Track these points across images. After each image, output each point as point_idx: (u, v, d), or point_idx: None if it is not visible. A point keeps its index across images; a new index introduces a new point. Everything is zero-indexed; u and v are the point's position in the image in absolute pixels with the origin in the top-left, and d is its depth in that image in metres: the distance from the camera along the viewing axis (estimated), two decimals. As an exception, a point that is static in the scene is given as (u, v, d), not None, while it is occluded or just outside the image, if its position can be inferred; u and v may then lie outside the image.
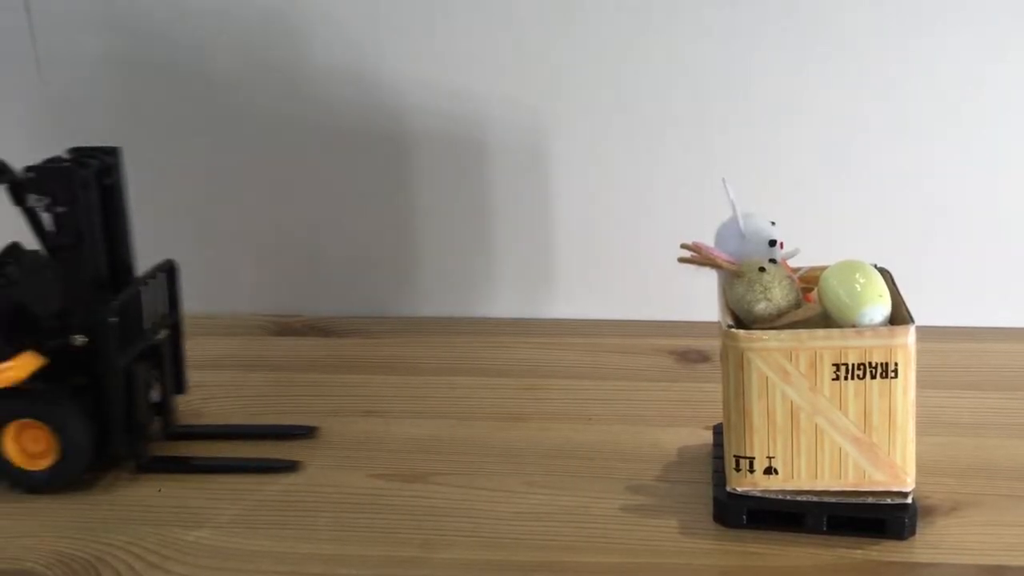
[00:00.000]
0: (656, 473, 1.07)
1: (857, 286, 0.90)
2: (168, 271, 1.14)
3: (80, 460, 1.04)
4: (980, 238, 1.37)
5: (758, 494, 0.94)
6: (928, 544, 0.93)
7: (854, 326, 0.90)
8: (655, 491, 1.03)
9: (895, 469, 0.92)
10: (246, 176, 1.48)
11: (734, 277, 0.95)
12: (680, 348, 1.36)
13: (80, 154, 1.06)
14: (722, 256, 0.96)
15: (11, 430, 1.04)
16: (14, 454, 1.04)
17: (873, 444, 0.91)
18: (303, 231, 1.50)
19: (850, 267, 0.92)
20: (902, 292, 0.95)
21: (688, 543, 0.95)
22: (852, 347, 0.89)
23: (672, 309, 1.41)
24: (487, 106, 1.40)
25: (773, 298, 0.93)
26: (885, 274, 0.96)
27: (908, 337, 0.89)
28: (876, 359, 0.89)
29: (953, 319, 1.36)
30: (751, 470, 0.93)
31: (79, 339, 1.03)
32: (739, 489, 0.95)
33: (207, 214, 1.51)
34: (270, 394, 1.27)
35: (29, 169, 1.00)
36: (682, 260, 0.97)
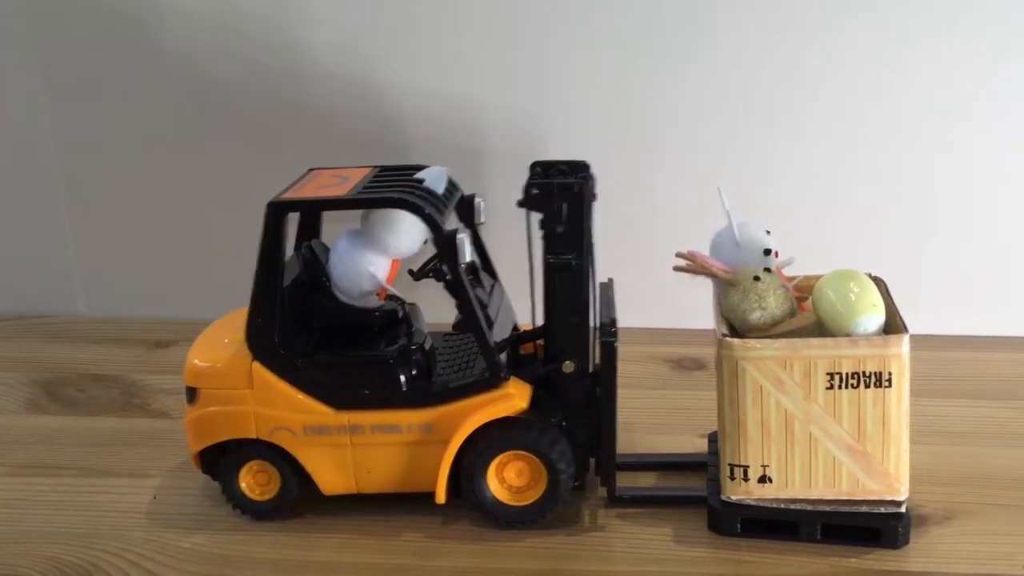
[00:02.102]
0: (651, 481, 1.07)
1: (851, 295, 0.90)
2: (610, 287, 1.05)
3: (565, 493, 0.97)
4: (973, 247, 1.38)
5: (752, 503, 0.94)
6: (922, 553, 0.94)
7: (848, 335, 0.90)
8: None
9: (889, 478, 0.92)
10: (244, 182, 1.48)
11: (729, 286, 0.95)
12: (676, 356, 1.36)
13: (548, 168, 1.00)
14: (717, 265, 0.96)
15: (496, 463, 0.97)
16: (496, 488, 0.98)
17: (867, 453, 0.91)
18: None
19: (844, 276, 0.92)
20: (895, 301, 0.95)
21: (683, 551, 0.95)
22: (846, 356, 0.90)
23: (667, 317, 1.41)
24: (486, 113, 1.40)
25: (768, 307, 0.93)
26: (879, 283, 0.96)
27: (902, 347, 0.89)
28: (870, 368, 0.90)
29: (946, 328, 1.37)
30: (745, 479, 0.94)
31: (570, 365, 0.96)
32: (733, 497, 0.95)
33: (203, 218, 1.51)
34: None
35: (532, 186, 0.94)
36: (677, 269, 0.97)
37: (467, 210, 1.04)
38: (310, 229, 1.07)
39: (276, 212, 0.95)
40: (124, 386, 1.33)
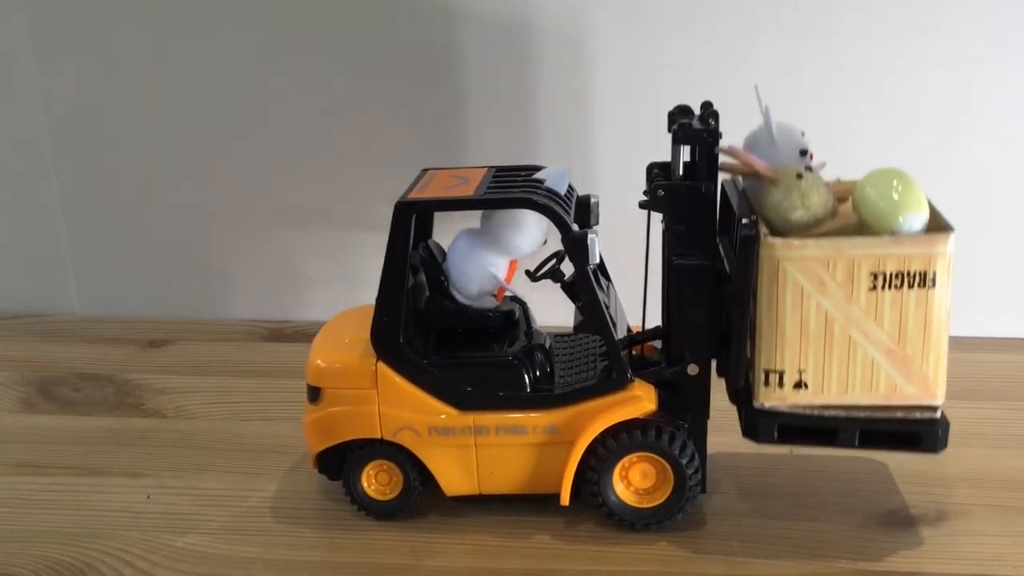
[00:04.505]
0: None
1: (895, 193, 0.87)
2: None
3: (692, 494, 0.97)
4: (967, 249, 1.37)
5: (786, 409, 0.92)
6: (914, 553, 0.94)
7: (892, 235, 0.87)
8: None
9: (927, 382, 0.89)
10: (241, 181, 1.49)
11: (770, 184, 0.91)
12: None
13: (665, 169, 0.98)
14: (759, 162, 0.92)
15: (622, 465, 0.97)
16: (622, 491, 0.98)
17: (906, 356, 0.89)
18: (300, 237, 1.51)
19: (887, 174, 0.89)
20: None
21: (674, 553, 0.96)
22: (891, 255, 0.87)
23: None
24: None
25: (811, 206, 0.90)
26: None
27: (948, 245, 0.87)
28: (915, 268, 0.87)
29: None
30: (780, 384, 0.90)
31: (694, 368, 0.96)
32: (767, 404, 0.92)
33: (199, 217, 1.51)
34: (257, 399, 1.28)
35: (659, 188, 0.93)
36: (723, 168, 0.93)
37: (582, 211, 1.02)
38: (422, 230, 1.05)
39: (404, 212, 0.95)
40: (118, 385, 1.32)
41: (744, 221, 0.89)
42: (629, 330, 1.05)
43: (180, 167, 1.49)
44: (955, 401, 1.19)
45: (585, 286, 0.95)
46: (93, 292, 1.57)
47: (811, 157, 0.94)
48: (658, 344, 1.03)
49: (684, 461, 0.96)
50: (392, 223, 0.95)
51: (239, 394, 1.29)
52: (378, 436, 0.98)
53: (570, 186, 1.01)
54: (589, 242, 0.93)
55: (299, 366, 1.03)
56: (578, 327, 0.99)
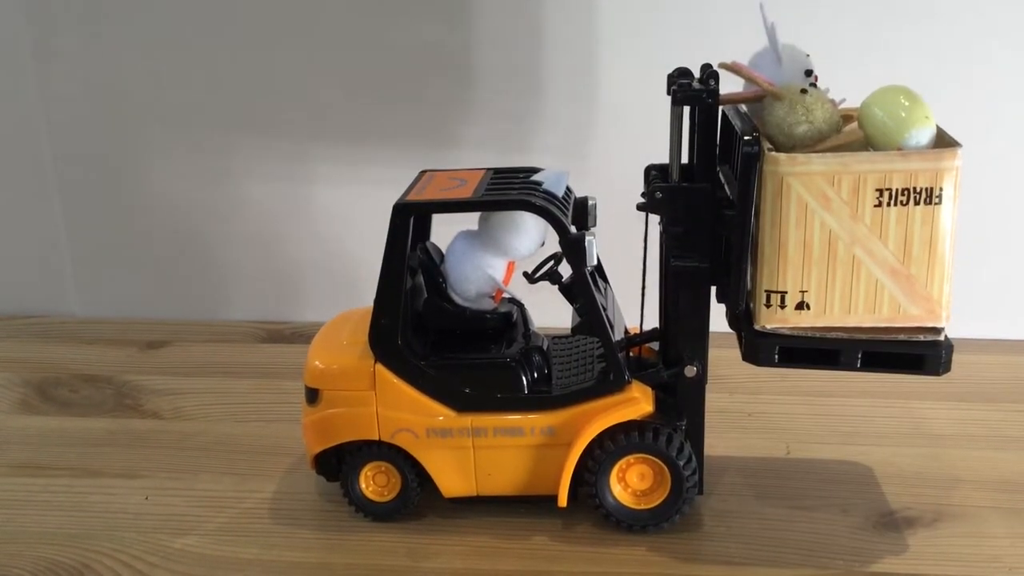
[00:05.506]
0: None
1: (901, 110, 0.86)
2: None
3: (689, 496, 0.97)
4: (961, 251, 1.38)
5: (787, 331, 0.90)
6: (910, 555, 0.94)
7: (899, 150, 0.86)
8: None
9: (931, 303, 0.88)
10: (239, 182, 1.49)
11: (774, 99, 0.90)
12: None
13: (663, 171, 0.98)
14: (762, 77, 0.91)
15: (619, 467, 0.97)
16: (619, 492, 0.98)
17: (911, 276, 0.87)
18: (300, 239, 1.51)
19: (893, 90, 0.88)
20: None
21: (671, 557, 0.96)
22: (898, 171, 0.85)
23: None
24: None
25: (815, 121, 0.88)
26: None
27: (956, 160, 0.85)
28: (922, 183, 0.85)
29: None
30: (782, 305, 0.89)
31: (692, 369, 0.96)
32: (768, 327, 0.90)
33: (197, 219, 1.51)
34: (256, 400, 1.28)
35: (656, 190, 0.93)
36: (723, 66, 0.92)
37: (580, 213, 1.02)
38: (420, 231, 1.06)
39: (402, 214, 0.95)
40: (117, 387, 1.33)
41: (746, 138, 0.87)
42: (627, 332, 1.05)
43: (179, 168, 1.49)
44: (951, 402, 1.21)
45: (583, 288, 0.95)
46: (92, 293, 1.57)
47: (816, 79, 0.92)
48: (655, 346, 1.03)
49: (681, 463, 0.96)
50: (390, 225, 0.95)
51: (237, 395, 1.30)
52: (376, 438, 0.98)
53: (568, 188, 1.01)
54: (587, 244, 0.93)
55: (297, 367, 1.03)
56: (576, 329, 1.00)
